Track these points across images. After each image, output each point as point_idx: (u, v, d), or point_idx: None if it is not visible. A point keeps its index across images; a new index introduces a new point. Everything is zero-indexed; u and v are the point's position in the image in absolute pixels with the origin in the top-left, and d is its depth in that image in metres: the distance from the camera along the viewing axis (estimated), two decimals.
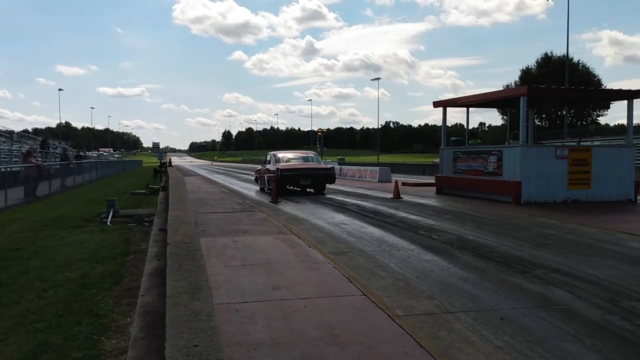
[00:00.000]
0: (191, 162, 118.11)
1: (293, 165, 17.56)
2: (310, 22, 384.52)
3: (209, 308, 4.24)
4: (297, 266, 6.07)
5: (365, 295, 4.85)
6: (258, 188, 19.72)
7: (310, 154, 19.74)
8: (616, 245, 7.59)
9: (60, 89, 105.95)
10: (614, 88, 15.34)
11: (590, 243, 7.79)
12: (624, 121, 15.06)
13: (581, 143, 35.97)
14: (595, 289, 5.18)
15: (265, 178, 18.03)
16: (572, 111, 66.91)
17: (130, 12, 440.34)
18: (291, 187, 17.44)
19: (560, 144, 27.24)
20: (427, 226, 9.53)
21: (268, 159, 18.77)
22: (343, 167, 34.37)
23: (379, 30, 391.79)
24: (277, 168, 16.81)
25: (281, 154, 18.69)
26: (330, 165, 19.52)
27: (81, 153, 40.42)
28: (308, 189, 17.72)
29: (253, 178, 22.51)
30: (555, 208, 12.14)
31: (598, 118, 73.25)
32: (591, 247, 7.46)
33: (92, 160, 47.22)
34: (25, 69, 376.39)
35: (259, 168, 20.33)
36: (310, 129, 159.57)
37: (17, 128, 62.67)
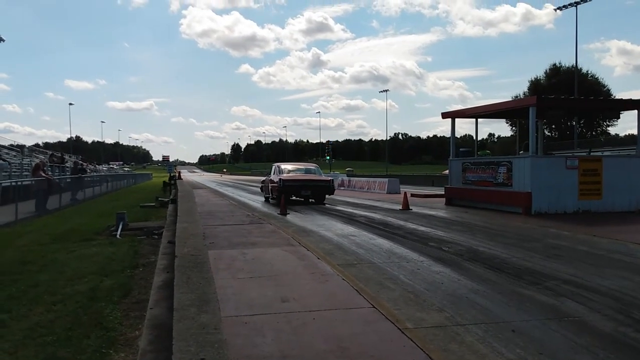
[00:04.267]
0: (200, 175, 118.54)
1: (295, 176, 18.48)
2: (317, 34, 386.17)
3: (216, 321, 4.22)
4: (306, 278, 6.04)
5: (374, 307, 4.81)
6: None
7: (312, 166, 20.95)
8: (628, 257, 7.50)
9: (70, 103, 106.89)
10: (623, 98, 15.30)
11: (602, 254, 7.71)
12: (635, 131, 14.96)
13: (591, 153, 35.75)
14: (608, 300, 5.11)
15: (270, 188, 18.98)
16: (581, 121, 66.64)
17: (138, 27, 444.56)
18: (294, 198, 18.28)
19: (571, 154, 27.04)
20: (437, 238, 9.48)
21: (272, 170, 19.78)
22: (352, 178, 34.41)
23: (386, 42, 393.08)
24: (280, 179, 17.82)
25: (284, 166, 19.78)
26: (330, 177, 20.44)
27: (86, 167, 37.48)
28: (310, 200, 18.57)
29: (259, 189, 23.55)
30: (566, 219, 12.05)
31: (608, 128, 72.79)
32: (603, 258, 7.38)
33: (102, 173, 47.47)
34: (34, 84, 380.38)
35: (264, 179, 21.30)
36: (318, 141, 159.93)
37: (28, 142, 63.23)
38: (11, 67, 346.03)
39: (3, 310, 6.22)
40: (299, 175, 18.70)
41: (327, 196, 18.75)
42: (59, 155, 36.62)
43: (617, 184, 13.41)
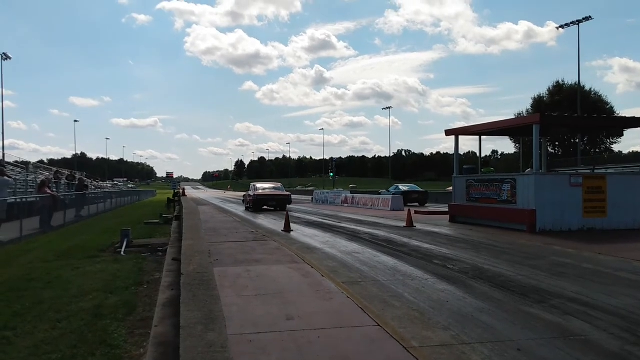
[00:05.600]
0: (205, 191, 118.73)
1: (265, 192, 26.61)
2: (320, 51, 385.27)
3: (223, 339, 4.22)
4: (311, 296, 6.03)
5: (379, 325, 4.80)
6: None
7: (278, 184, 29.19)
8: (633, 274, 7.48)
9: (75, 121, 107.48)
10: (627, 116, 15.33)
11: (607, 272, 7.68)
12: (638, 148, 14.98)
13: (595, 170, 35.71)
14: (614, 319, 5.10)
15: (248, 200, 27.27)
16: (585, 138, 66.68)
17: (142, 45, 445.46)
18: (265, 207, 25.98)
19: (574, 171, 27.00)
20: (441, 255, 9.46)
21: (250, 188, 28.16)
22: (355, 195, 34.39)
23: (388, 60, 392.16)
24: (254, 194, 26.03)
25: (258, 184, 28.27)
26: (288, 193, 28.38)
27: (87, 184, 36.24)
28: (277, 208, 25.88)
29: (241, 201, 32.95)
30: (570, 236, 12.01)
31: (612, 145, 72.79)
32: (608, 277, 7.36)
33: (107, 190, 47.60)
34: (39, 101, 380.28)
35: (245, 194, 30.56)
36: (322, 158, 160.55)
37: (32, 159, 63.40)
38: (17, 84, 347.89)
39: (8, 327, 6.22)
40: (267, 192, 26.75)
41: (288, 205, 26.14)
42: (70, 173, 36.94)
43: (622, 202, 13.39)
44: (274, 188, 27.79)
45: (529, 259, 9.00)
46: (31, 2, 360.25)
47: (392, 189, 37.02)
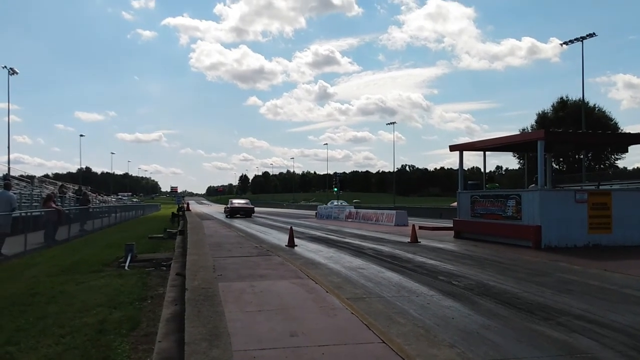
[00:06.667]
0: (209, 206, 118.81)
1: (237, 205, 40.39)
2: (324, 67, 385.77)
3: (227, 355, 4.19)
4: (315, 312, 6.00)
5: (384, 342, 4.77)
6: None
7: (247, 200, 44.48)
8: None
9: (81, 135, 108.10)
10: (631, 132, 15.32)
11: (614, 289, 7.63)
12: None
13: (600, 187, 35.63)
14: (621, 336, 5.05)
15: (226, 210, 40.81)
16: (589, 154, 66.53)
17: (148, 61, 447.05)
18: (237, 215, 38.04)
19: (579, 187, 26.93)
20: (446, 271, 9.42)
21: (228, 202, 42.26)
22: (359, 210, 34.39)
23: (392, 75, 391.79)
24: (230, 206, 39.84)
25: (234, 200, 43.48)
26: (252, 206, 41.53)
27: (90, 198, 36.50)
28: (245, 216, 37.93)
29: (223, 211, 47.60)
30: (576, 253, 11.95)
31: (616, 161, 72.60)
32: (615, 294, 7.30)
33: (111, 204, 47.69)
34: (44, 116, 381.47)
35: (225, 206, 45.41)
36: (326, 173, 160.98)
37: (38, 173, 63.56)
38: (23, 99, 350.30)
39: (11, 342, 6.22)
40: (239, 205, 40.63)
41: (251, 215, 39.38)
42: (77, 187, 37.57)
43: (627, 218, 13.33)
44: (244, 203, 42.40)
45: (534, 275, 8.95)
46: (37, 17, 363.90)
47: (329, 203, 52.65)
